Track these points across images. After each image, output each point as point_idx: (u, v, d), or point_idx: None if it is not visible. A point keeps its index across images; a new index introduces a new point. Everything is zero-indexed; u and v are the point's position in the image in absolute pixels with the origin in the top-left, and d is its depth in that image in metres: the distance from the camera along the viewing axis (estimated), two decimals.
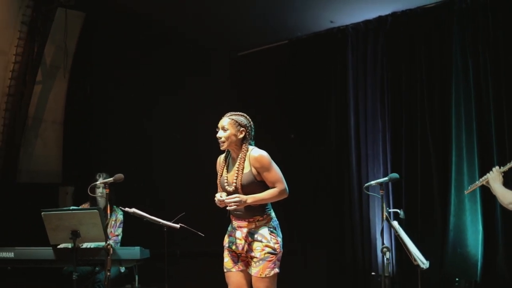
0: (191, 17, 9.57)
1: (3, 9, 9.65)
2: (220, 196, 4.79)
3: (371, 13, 8.66)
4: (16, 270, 6.46)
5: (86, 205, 6.88)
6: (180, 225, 5.72)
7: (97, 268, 6.34)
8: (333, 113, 9.16)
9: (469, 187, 5.05)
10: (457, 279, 7.45)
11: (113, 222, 6.78)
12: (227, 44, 10.47)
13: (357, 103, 8.85)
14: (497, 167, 4.74)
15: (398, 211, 4.69)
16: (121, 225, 6.82)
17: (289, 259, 10.40)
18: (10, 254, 6.34)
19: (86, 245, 6.42)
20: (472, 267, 7.48)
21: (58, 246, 6.37)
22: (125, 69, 10.43)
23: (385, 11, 8.52)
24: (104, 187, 5.50)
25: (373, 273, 8.37)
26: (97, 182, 5.58)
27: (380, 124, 8.51)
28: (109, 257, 5.19)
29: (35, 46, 10.03)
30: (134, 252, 6.21)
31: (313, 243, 9.22)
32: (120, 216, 6.83)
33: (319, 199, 9.19)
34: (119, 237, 6.76)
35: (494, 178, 4.68)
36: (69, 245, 6.25)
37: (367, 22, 8.78)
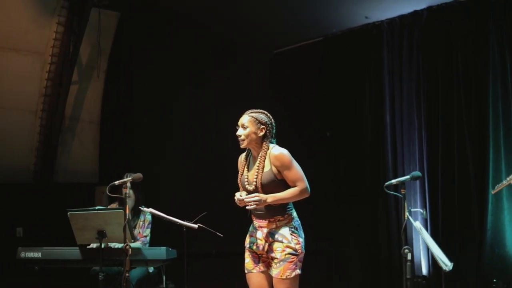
0: (226, 15, 9.50)
1: (39, 10, 9.72)
2: (240, 195, 4.69)
3: (406, 8, 8.48)
4: (43, 270, 6.43)
5: (114, 205, 6.85)
6: (198, 225, 5.64)
7: (122, 268, 6.28)
8: (368, 111, 9.00)
9: (495, 187, 4.82)
10: (494, 280, 7.20)
11: (141, 223, 6.73)
12: (264, 42, 10.38)
13: (393, 100, 8.67)
14: None
15: (421, 210, 4.53)
16: (150, 225, 6.76)
17: (320, 258, 10.37)
18: (38, 254, 6.33)
19: (113, 245, 6.37)
20: (510, 267, 7.23)
21: (88, 246, 6.34)
22: (159, 66, 10.42)
23: (420, 5, 8.32)
24: (124, 187, 5.42)
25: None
26: (116, 182, 5.51)
27: (416, 121, 8.33)
28: (127, 258, 5.13)
29: (71, 46, 10.07)
30: (160, 252, 6.14)
31: (346, 242, 9.06)
32: (149, 217, 6.77)
33: (354, 198, 9.02)
34: (148, 238, 6.70)
35: None
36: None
37: (402, 17, 8.59)
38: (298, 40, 10.07)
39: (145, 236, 6.68)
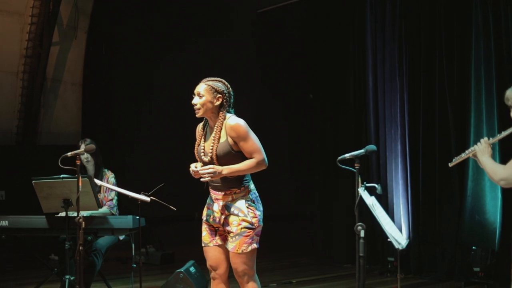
0: None
1: None
2: (194, 166, 4.53)
3: None
4: (11, 239, 6.34)
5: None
6: (151, 198, 5.50)
7: (89, 238, 6.17)
8: (352, 72, 8.79)
9: (453, 160, 4.63)
10: (474, 247, 7.07)
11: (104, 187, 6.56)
12: (247, 1, 10.13)
13: (375, 61, 8.46)
14: (485, 138, 4.31)
15: (376, 185, 4.35)
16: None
17: (306, 223, 10.31)
18: (5, 223, 6.20)
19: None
20: (490, 235, 7.08)
21: (57, 215, 6.22)
22: (140, 28, 10.22)
23: None
24: (76, 159, 5.26)
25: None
26: (68, 154, 5.36)
27: (398, 85, 8.12)
28: (81, 231, 5.00)
29: (50, 6, 9.89)
30: (126, 221, 6.01)
31: (327, 208, 8.95)
32: (112, 179, 6.57)
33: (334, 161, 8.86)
34: (114, 201, 6.49)
35: (482, 150, 4.26)
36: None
37: None
38: (282, 0, 9.80)
39: (111, 200, 6.48)
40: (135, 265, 6.11)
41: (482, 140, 4.25)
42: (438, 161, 7.70)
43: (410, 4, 8.03)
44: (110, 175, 6.63)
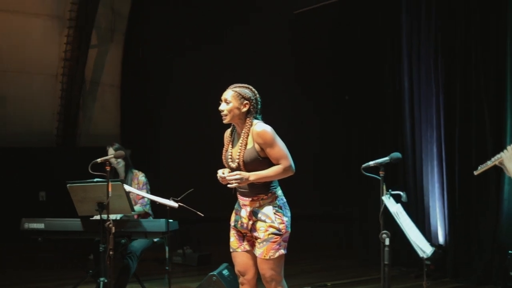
0: None
1: None
2: (222, 172, 4.55)
3: None
4: (48, 241, 6.46)
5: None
6: (179, 204, 5.53)
7: (123, 241, 6.25)
8: (388, 75, 8.72)
9: (479, 168, 4.56)
10: (510, 251, 6.95)
11: (135, 186, 6.63)
12: (284, 2, 10.13)
13: (411, 63, 8.37)
14: None
15: (401, 193, 4.29)
16: (145, 186, 6.63)
17: (341, 226, 10.27)
18: (41, 225, 6.32)
19: (113, 216, 6.33)
20: None
21: (91, 218, 6.32)
22: (177, 28, 10.29)
23: None
24: (105, 165, 5.33)
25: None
26: (98, 160, 5.43)
27: (433, 86, 8.02)
28: (111, 236, 5.05)
29: (88, 9, 10.02)
30: (159, 224, 6.08)
31: (365, 211, 8.89)
32: (142, 178, 6.65)
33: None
34: (146, 199, 6.58)
35: (509, 157, 4.19)
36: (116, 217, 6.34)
37: None
38: (318, 0, 9.75)
39: (142, 198, 6.57)
40: (168, 268, 6.16)
41: (508, 147, 4.19)
42: (474, 164, 7.55)
43: (445, 4, 7.92)
44: (140, 174, 6.72)
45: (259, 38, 10.31)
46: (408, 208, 7.99)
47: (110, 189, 5.23)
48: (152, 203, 6.48)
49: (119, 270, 6.41)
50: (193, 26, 10.53)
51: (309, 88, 10.40)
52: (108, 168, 5.25)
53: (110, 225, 5.12)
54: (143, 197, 6.55)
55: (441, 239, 7.97)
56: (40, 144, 10.42)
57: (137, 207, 6.45)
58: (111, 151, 6.58)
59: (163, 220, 6.10)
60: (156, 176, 6.87)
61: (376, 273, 8.08)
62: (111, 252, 5.10)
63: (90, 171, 5.17)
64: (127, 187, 5.73)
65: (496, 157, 4.25)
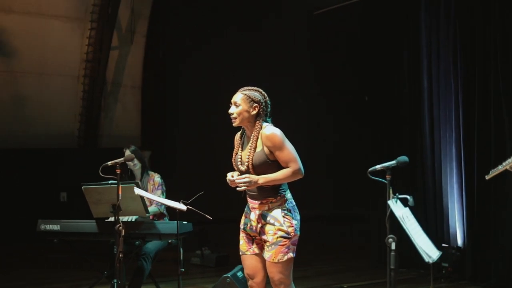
0: None
1: None
2: (231, 175, 4.55)
3: None
4: (64, 243, 6.50)
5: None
6: (188, 208, 5.54)
7: (137, 242, 6.28)
8: (406, 75, 8.65)
9: (490, 172, 4.51)
10: None
11: (151, 187, 6.67)
12: (304, 3, 10.11)
13: (430, 62, 8.29)
14: None
15: (408, 197, 4.26)
16: (160, 187, 6.65)
17: (356, 227, 10.23)
18: (56, 227, 6.37)
19: (129, 218, 6.37)
20: None
21: (106, 220, 6.35)
22: (198, 29, 10.33)
23: None
24: (116, 168, 5.36)
25: (444, 245, 7.90)
26: (108, 163, 5.48)
27: (452, 86, 7.95)
28: (121, 239, 5.09)
29: (109, 11, 10.10)
30: (173, 226, 6.07)
31: (380, 213, 8.82)
32: (158, 179, 6.68)
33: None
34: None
35: None
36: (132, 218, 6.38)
37: None
38: (337, 1, 9.72)
39: None
40: (183, 269, 6.17)
41: None
42: (492, 165, 7.45)
43: (464, 3, 7.84)
44: (155, 176, 6.75)
45: (278, 39, 10.31)
46: (427, 210, 8.06)
47: (120, 192, 5.25)
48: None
49: (133, 271, 6.46)
50: (213, 27, 10.56)
51: (327, 89, 10.39)
52: (118, 171, 5.27)
53: (120, 227, 5.15)
54: None
55: (459, 241, 7.90)
56: (62, 145, 10.53)
57: (152, 208, 6.47)
58: (127, 153, 6.63)
59: (174, 222, 6.12)
60: (174, 177, 6.89)
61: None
62: (121, 255, 5.09)
63: (101, 174, 5.20)
64: (137, 190, 5.74)
65: (507, 162, 4.21)
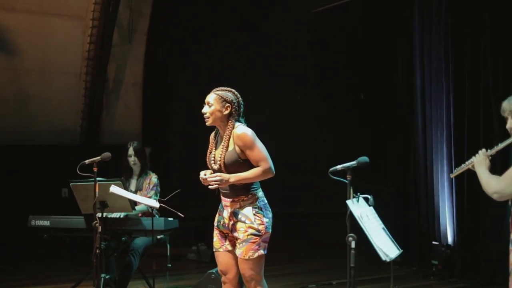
0: None
1: None
2: (204, 174, 4.66)
3: None
4: (53, 238, 6.63)
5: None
6: (160, 205, 5.64)
7: (123, 238, 6.41)
8: (400, 73, 8.71)
9: (454, 170, 4.57)
10: None
11: (146, 185, 6.80)
12: (303, 1, 10.18)
13: (423, 62, 8.34)
14: (483, 150, 4.23)
15: (368, 196, 4.33)
16: (154, 187, 6.78)
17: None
18: (46, 223, 6.52)
19: (116, 215, 6.50)
20: None
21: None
22: (198, 27, 10.43)
23: None
24: (93, 166, 5.51)
25: (434, 242, 7.96)
26: (86, 161, 5.63)
27: (444, 84, 8.00)
28: (98, 235, 5.22)
29: (110, 10, 10.22)
30: (158, 223, 6.21)
31: (377, 206, 8.87)
32: (154, 180, 6.82)
33: (385, 162, 8.85)
34: (153, 197, 6.71)
35: (479, 162, 4.18)
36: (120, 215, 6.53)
37: None
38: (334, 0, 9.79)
39: (149, 198, 6.71)
40: (170, 265, 6.30)
41: (480, 152, 4.20)
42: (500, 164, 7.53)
43: (455, 3, 7.88)
44: (153, 176, 6.90)
45: (277, 38, 10.39)
46: (420, 207, 8.12)
47: (97, 189, 5.40)
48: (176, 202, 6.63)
49: (122, 266, 6.59)
50: (213, 25, 10.65)
51: (326, 88, 10.46)
52: (95, 169, 5.42)
53: (97, 224, 5.28)
54: (150, 197, 6.68)
55: (449, 238, 7.95)
56: (64, 141, 10.67)
57: (141, 206, 6.58)
58: (131, 150, 6.82)
59: (162, 219, 6.25)
60: (174, 173, 6.98)
61: (384, 272, 8.16)
62: (97, 251, 5.23)
63: (78, 172, 5.34)
64: (112, 189, 5.85)
65: (469, 161, 4.25)
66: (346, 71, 9.85)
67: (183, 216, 5.47)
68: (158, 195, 6.78)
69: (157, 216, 6.72)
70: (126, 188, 6.23)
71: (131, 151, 6.83)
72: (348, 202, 4.12)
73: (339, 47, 10.01)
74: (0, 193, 10.11)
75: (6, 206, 10.03)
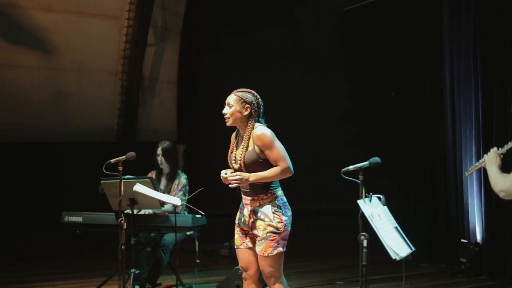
0: None
1: None
2: (224, 173, 4.80)
3: None
4: (85, 234, 6.82)
5: (153, 174, 7.10)
6: (182, 203, 5.77)
7: (152, 235, 6.57)
8: (430, 70, 8.70)
9: (469, 168, 4.62)
10: None
11: (175, 186, 6.94)
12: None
13: (452, 59, 8.34)
14: (495, 149, 4.27)
15: (380, 196, 4.39)
16: (183, 188, 6.91)
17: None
18: (79, 219, 6.72)
19: (145, 211, 6.66)
20: None
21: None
22: (231, 26, 10.55)
23: None
24: (118, 165, 5.67)
25: (462, 240, 7.97)
26: (111, 161, 5.79)
27: (473, 82, 7.98)
28: (123, 231, 5.37)
29: (145, 9, 10.40)
30: (186, 219, 6.37)
31: (407, 204, 8.92)
32: (183, 180, 6.96)
33: (414, 160, 8.87)
34: (181, 198, 6.85)
35: (490, 160, 4.22)
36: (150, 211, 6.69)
37: None
38: None
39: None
40: (198, 261, 6.44)
41: (492, 150, 4.25)
42: (510, 163, 7.50)
43: (484, 1, 7.86)
44: (182, 176, 7.03)
45: (306, 36, 10.45)
46: (449, 206, 8.12)
47: (124, 187, 5.54)
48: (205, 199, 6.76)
49: (152, 262, 6.76)
50: (245, 24, 10.75)
51: (355, 85, 10.49)
52: (120, 168, 5.57)
53: (122, 221, 5.43)
54: (178, 197, 6.83)
55: (478, 236, 7.94)
56: (101, 139, 10.90)
57: (167, 206, 6.71)
58: (159, 150, 6.99)
59: (189, 216, 6.40)
60: (208, 169, 7.06)
61: (414, 270, 8.19)
62: (123, 247, 5.38)
63: (104, 171, 5.50)
64: (136, 187, 6.00)
65: (482, 159, 4.31)
66: (375, 69, 9.86)
67: (204, 214, 5.60)
68: (187, 195, 6.91)
69: (185, 213, 6.90)
70: (155, 186, 6.37)
71: (159, 150, 6.99)
72: (360, 201, 4.19)
73: (368, 45, 10.02)
74: (38, 190, 10.38)
75: (47, 201, 10.28)
